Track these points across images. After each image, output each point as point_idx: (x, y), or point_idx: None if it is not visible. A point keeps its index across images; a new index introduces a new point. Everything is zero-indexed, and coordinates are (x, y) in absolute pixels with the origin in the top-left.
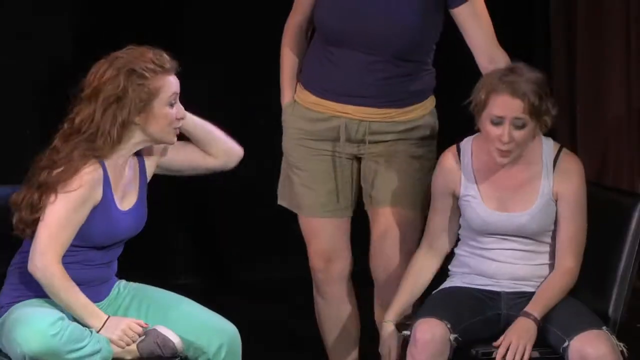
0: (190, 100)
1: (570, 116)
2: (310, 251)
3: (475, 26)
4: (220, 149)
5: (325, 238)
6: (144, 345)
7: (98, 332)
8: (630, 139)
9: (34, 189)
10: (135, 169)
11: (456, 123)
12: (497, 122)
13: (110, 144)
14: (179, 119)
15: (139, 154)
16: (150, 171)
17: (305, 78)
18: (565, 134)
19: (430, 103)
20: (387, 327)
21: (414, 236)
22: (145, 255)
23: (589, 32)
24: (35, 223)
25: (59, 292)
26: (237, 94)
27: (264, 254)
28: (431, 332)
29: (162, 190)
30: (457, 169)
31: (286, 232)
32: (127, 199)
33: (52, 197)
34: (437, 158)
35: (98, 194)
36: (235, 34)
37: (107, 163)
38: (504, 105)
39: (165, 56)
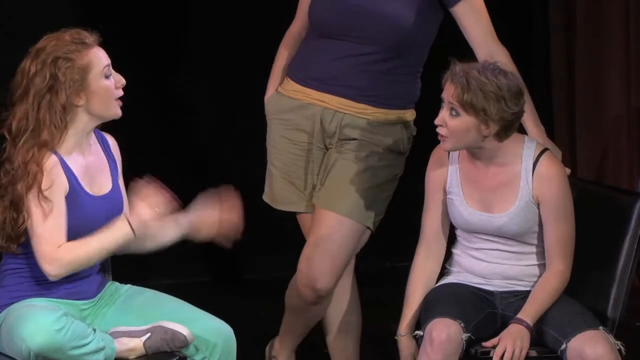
0: (193, 100)
1: (570, 115)
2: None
3: (474, 23)
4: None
5: None
6: (151, 343)
7: (131, 229)
8: (629, 138)
9: (8, 207)
10: (101, 157)
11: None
12: (442, 104)
13: (59, 132)
14: (118, 88)
15: (109, 153)
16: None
17: (292, 68)
18: (565, 133)
19: (409, 115)
20: (404, 340)
21: (350, 251)
22: (151, 254)
23: (588, 31)
24: (20, 236)
25: (83, 257)
26: (242, 94)
27: (266, 253)
28: (447, 332)
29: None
30: (446, 161)
31: (288, 230)
32: (98, 184)
33: (28, 205)
34: (399, 177)
35: (64, 180)
36: (237, 36)
37: (60, 151)
38: (445, 89)
39: (84, 32)
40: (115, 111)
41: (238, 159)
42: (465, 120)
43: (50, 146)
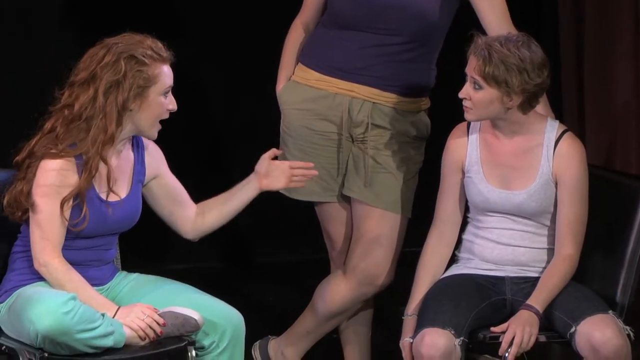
0: (201, 88)
1: (579, 101)
2: (330, 235)
3: (488, 6)
4: (208, 227)
5: (341, 220)
6: (161, 329)
7: (112, 313)
8: (638, 123)
9: (31, 179)
10: (129, 162)
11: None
12: (466, 78)
13: (118, 130)
14: (168, 110)
15: (140, 157)
16: (149, 174)
17: (309, 57)
18: (574, 119)
19: (427, 102)
20: (410, 321)
21: (400, 243)
22: (161, 239)
23: (597, 16)
24: (27, 211)
25: (65, 285)
26: (252, 82)
27: (274, 237)
28: (436, 347)
29: (177, 174)
30: (465, 141)
31: (296, 215)
32: (115, 189)
33: (38, 191)
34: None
35: (74, 184)
36: (245, 23)
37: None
38: (469, 62)
39: (161, 45)
40: (153, 132)
41: (246, 146)
42: (488, 92)
43: (112, 144)
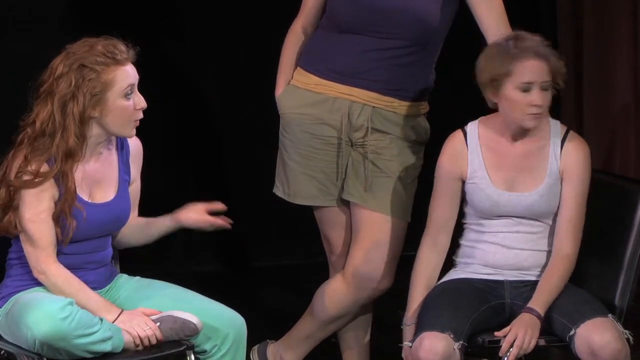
0: (200, 91)
1: (577, 104)
2: (329, 239)
3: (487, 10)
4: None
5: (341, 224)
6: (160, 333)
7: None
8: (637, 126)
9: (11, 209)
10: (112, 164)
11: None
12: (526, 88)
13: (81, 142)
14: (138, 110)
15: (125, 158)
16: (134, 175)
17: (308, 61)
18: (573, 122)
19: (426, 106)
20: (410, 330)
21: (399, 247)
22: (160, 242)
23: (595, 18)
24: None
25: (65, 291)
26: (251, 85)
27: (273, 240)
28: (434, 351)
29: (177, 177)
30: (464, 151)
31: (295, 218)
32: (101, 192)
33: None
34: (422, 167)
35: (54, 190)
36: (238, 30)
37: None
38: (533, 70)
39: (120, 47)
40: (128, 132)
41: (245, 147)
42: (549, 88)
43: (77, 158)
